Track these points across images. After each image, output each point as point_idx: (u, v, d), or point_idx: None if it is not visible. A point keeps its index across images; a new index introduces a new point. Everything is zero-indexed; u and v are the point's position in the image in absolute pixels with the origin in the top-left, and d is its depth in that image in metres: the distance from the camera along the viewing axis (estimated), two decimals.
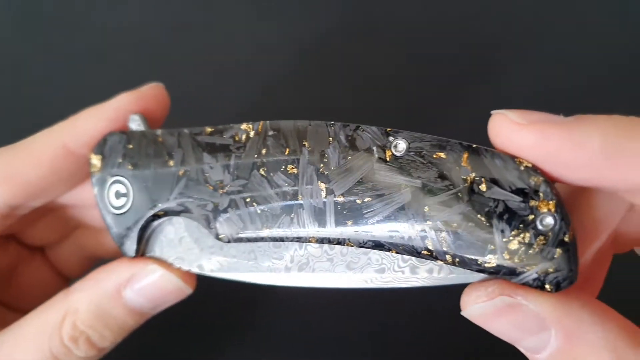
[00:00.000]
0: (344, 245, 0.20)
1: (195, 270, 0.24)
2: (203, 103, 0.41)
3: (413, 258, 0.20)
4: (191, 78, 0.41)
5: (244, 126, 0.22)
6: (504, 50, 0.42)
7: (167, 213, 0.23)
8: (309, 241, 0.21)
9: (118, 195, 0.24)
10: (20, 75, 0.43)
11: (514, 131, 0.19)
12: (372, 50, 0.43)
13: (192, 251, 0.24)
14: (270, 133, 0.21)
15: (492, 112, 0.19)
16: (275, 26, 0.44)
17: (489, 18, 0.44)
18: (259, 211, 0.21)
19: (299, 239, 0.21)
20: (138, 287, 0.24)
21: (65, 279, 0.30)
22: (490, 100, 0.39)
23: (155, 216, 0.23)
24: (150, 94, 0.26)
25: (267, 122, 0.22)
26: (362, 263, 0.21)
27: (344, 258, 0.21)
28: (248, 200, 0.21)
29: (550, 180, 0.18)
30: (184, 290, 0.24)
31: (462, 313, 0.20)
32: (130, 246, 0.24)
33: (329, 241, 0.20)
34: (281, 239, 0.21)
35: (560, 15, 0.43)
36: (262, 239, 0.21)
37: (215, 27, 0.44)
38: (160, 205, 0.23)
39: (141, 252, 0.24)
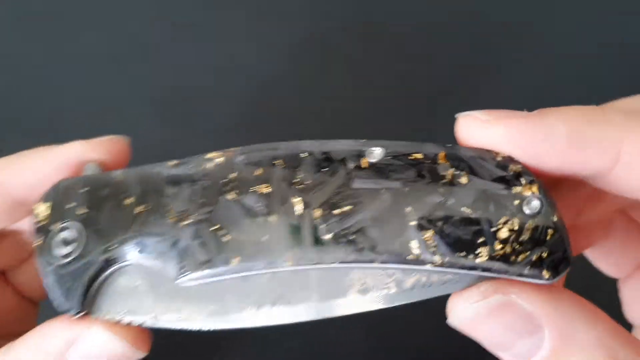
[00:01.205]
0: (323, 264, 0.19)
1: (150, 323, 0.21)
2: (203, 103, 0.39)
3: (398, 272, 0.19)
4: (191, 78, 0.40)
5: (211, 154, 0.21)
6: (504, 51, 0.43)
7: (119, 258, 0.21)
8: (285, 266, 0.19)
9: (66, 242, 0.21)
10: (20, 75, 0.41)
11: (482, 129, 0.19)
12: (372, 50, 0.43)
13: (146, 301, 0.21)
14: (240, 158, 0.21)
15: (457, 115, 0.20)
16: (275, 26, 0.43)
17: (490, 18, 0.44)
18: (226, 239, 0.20)
19: (272, 265, 0.19)
20: (82, 353, 0.21)
21: (33, 302, 0.28)
22: (491, 99, 0.40)
23: (107, 263, 0.21)
24: (108, 145, 0.24)
25: (238, 148, 0.21)
26: (343, 285, 0.20)
27: (323, 283, 0.20)
28: (214, 229, 0.20)
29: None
30: (135, 354, 0.21)
31: (450, 320, 0.18)
32: (74, 302, 0.21)
33: (308, 260, 0.19)
34: (252, 268, 0.19)
35: (558, 12, 0.44)
36: (231, 272, 0.19)
37: (215, 27, 0.43)
38: (114, 247, 0.21)
39: (87, 309, 0.21)
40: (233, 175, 0.20)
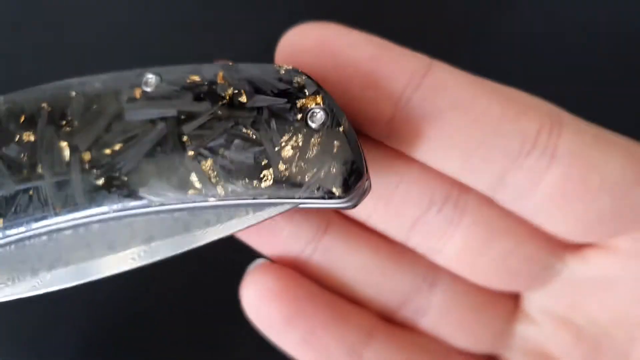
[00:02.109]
0: (99, 217, 0.16)
1: None
2: None
3: (185, 214, 0.17)
4: None
5: None
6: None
7: None
8: (58, 224, 0.16)
9: None
10: (19, 76, 0.38)
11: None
12: None
13: None
14: (4, 107, 0.18)
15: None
16: (275, 26, 0.41)
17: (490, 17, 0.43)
18: None
19: (44, 226, 0.16)
20: None
21: None
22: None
23: None
24: None
25: (1, 97, 0.18)
26: (125, 237, 0.17)
27: (105, 237, 0.17)
28: None
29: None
30: None
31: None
32: None
33: (81, 216, 0.16)
34: (22, 232, 0.16)
35: None
36: None
37: (215, 27, 0.40)
38: None
39: None
40: None
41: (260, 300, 0.18)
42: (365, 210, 0.19)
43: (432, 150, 0.17)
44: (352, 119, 0.18)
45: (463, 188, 0.19)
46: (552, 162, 0.17)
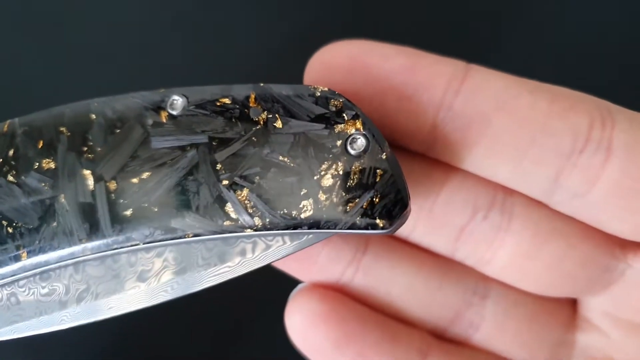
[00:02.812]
0: (128, 248, 0.16)
1: None
2: None
3: (220, 243, 0.16)
4: (189, 77, 0.36)
5: None
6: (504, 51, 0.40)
7: None
8: (85, 256, 0.16)
9: None
10: (18, 76, 0.37)
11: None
12: None
13: None
14: (21, 130, 0.17)
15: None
16: (275, 25, 0.40)
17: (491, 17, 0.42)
18: (10, 230, 0.16)
19: (70, 257, 0.16)
20: None
21: None
22: None
23: None
24: None
25: (16, 119, 0.17)
26: (156, 268, 0.16)
27: (134, 269, 0.16)
28: None
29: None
30: None
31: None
32: None
33: (108, 247, 0.15)
34: (46, 263, 0.16)
35: None
36: (20, 270, 0.16)
37: (215, 27, 0.39)
38: None
39: None
40: (12, 151, 0.16)
41: (306, 326, 0.17)
42: (407, 226, 0.18)
43: (480, 157, 0.17)
44: (389, 133, 0.17)
45: (507, 190, 0.18)
46: (608, 157, 0.16)
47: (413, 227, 0.18)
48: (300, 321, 0.17)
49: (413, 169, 0.18)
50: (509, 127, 0.16)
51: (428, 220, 0.18)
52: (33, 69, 0.39)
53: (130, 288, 0.16)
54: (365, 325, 0.18)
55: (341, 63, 0.17)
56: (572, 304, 0.20)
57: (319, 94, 0.15)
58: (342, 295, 0.18)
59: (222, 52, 0.39)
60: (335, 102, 0.15)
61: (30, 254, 0.16)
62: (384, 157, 0.15)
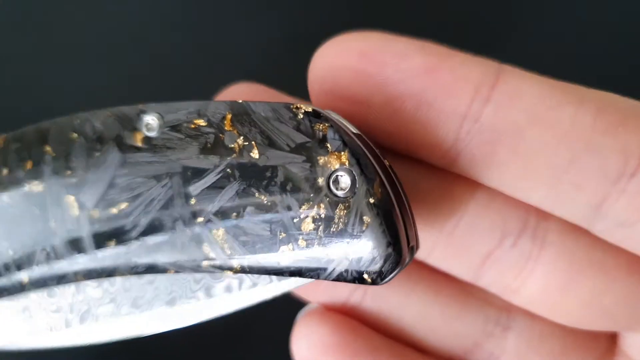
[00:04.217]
0: (115, 275, 0.15)
1: None
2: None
3: (207, 275, 0.15)
4: (189, 77, 0.38)
5: None
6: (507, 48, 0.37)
7: None
8: (77, 279, 0.15)
9: None
10: (18, 75, 0.39)
11: None
12: None
13: None
14: (14, 147, 0.16)
15: None
16: (275, 25, 0.39)
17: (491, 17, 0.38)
18: (11, 252, 0.16)
19: (65, 278, 0.15)
20: None
21: None
22: None
23: None
24: None
25: (10, 134, 0.16)
26: (148, 295, 0.16)
27: (129, 294, 0.16)
28: None
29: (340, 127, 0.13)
30: None
31: None
32: None
33: (98, 274, 0.15)
34: (45, 282, 0.16)
35: None
36: (22, 288, 0.16)
37: (214, 27, 0.40)
38: None
39: None
40: (5, 171, 0.16)
41: (314, 355, 0.16)
42: (424, 248, 0.16)
43: (510, 177, 0.14)
44: (404, 145, 0.14)
45: (541, 213, 0.15)
46: None
47: (430, 251, 0.15)
48: (308, 349, 0.16)
49: (431, 186, 0.15)
50: (545, 143, 0.13)
51: (448, 244, 0.15)
52: (33, 69, 0.38)
53: (126, 313, 0.16)
54: (378, 355, 0.16)
55: (350, 60, 0.14)
56: (610, 338, 0.17)
57: (301, 116, 0.13)
58: (353, 322, 0.16)
59: (221, 50, 0.38)
60: (321, 126, 0.13)
61: (32, 279, 0.16)
62: (372, 201, 0.12)
